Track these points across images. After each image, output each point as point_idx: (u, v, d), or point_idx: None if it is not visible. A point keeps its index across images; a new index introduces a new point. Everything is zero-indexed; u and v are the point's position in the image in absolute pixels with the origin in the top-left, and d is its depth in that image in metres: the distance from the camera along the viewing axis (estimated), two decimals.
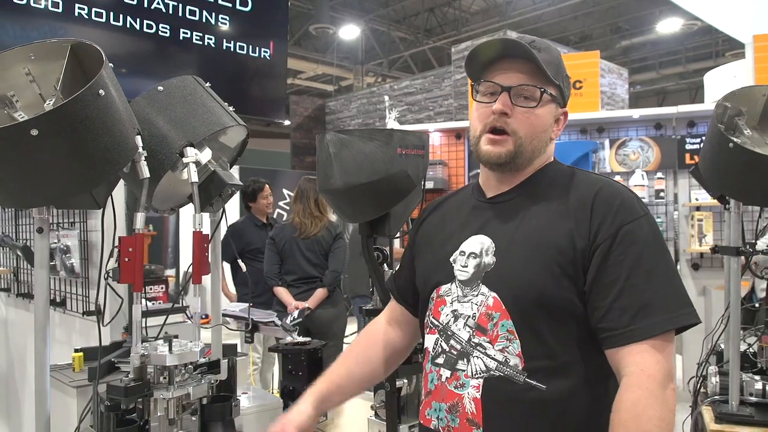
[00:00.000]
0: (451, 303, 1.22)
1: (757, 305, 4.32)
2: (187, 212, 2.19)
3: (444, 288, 1.25)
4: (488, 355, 1.15)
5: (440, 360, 1.21)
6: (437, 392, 1.21)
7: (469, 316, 1.18)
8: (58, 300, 2.97)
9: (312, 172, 5.58)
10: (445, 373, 1.20)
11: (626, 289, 1.08)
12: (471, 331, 1.18)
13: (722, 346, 2.36)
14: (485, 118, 1.21)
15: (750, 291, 4.47)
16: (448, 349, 1.20)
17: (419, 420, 1.28)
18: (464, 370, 1.17)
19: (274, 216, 4.89)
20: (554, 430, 1.13)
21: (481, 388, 1.15)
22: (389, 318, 1.49)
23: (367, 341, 1.47)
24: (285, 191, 8.90)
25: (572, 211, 1.16)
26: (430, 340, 1.26)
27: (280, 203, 8.76)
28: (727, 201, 2.12)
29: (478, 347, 1.16)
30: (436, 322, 1.24)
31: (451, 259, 1.24)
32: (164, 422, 1.47)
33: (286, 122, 10.52)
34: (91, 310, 2.68)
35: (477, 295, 1.18)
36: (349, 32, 13.06)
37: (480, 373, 1.15)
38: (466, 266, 1.21)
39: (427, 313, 1.29)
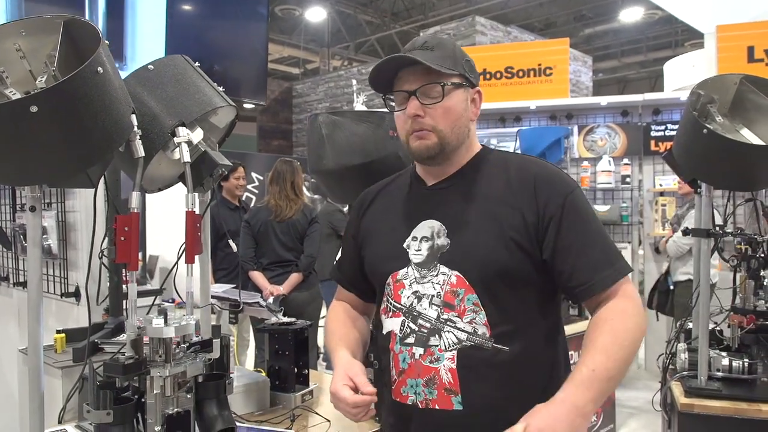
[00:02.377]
0: (410, 285, 1.32)
1: (671, 287, 4.51)
2: (152, 196, 2.18)
3: (401, 273, 1.34)
4: (458, 328, 1.26)
5: (410, 339, 1.30)
6: (411, 370, 1.29)
7: (433, 295, 1.29)
8: None
9: (279, 155, 5.57)
10: (418, 350, 1.28)
11: (586, 248, 1.26)
12: (439, 308, 1.27)
13: (690, 324, 2.47)
14: (405, 124, 1.32)
15: (665, 274, 4.65)
16: (417, 329, 1.29)
17: (393, 399, 1.34)
18: (437, 345, 1.26)
19: (243, 199, 4.90)
20: (522, 385, 1.27)
21: (455, 358, 1.25)
22: (345, 302, 1.57)
23: (346, 314, 1.54)
24: (254, 174, 8.83)
25: (516, 190, 1.30)
26: (394, 323, 1.34)
27: (249, 186, 8.69)
28: (698, 185, 2.21)
29: (447, 322, 1.27)
30: (398, 305, 1.33)
31: (404, 245, 1.34)
32: (160, 400, 1.47)
33: (248, 105, 10.39)
34: (70, 292, 2.65)
35: (437, 275, 1.29)
36: (316, 14, 12.95)
37: (453, 346, 1.26)
38: (420, 250, 1.32)
39: (385, 299, 1.38)
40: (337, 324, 1.51)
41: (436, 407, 1.27)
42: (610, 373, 1.17)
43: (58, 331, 2.31)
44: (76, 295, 2.58)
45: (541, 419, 1.10)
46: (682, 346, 2.35)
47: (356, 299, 1.55)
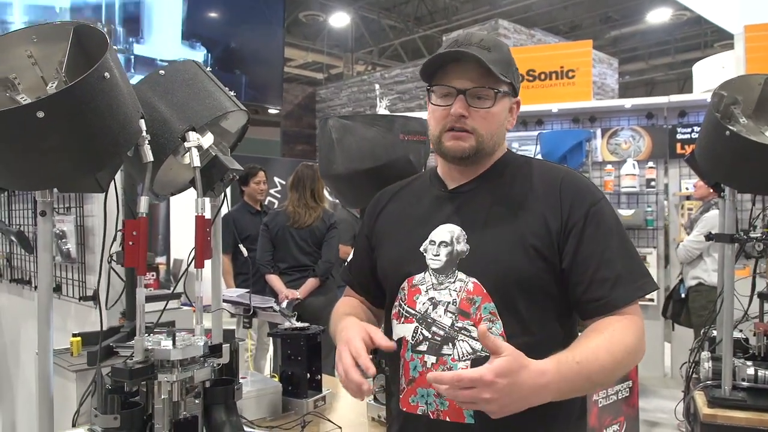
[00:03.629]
0: (427, 291, 1.26)
1: (683, 295, 4.38)
2: (177, 201, 2.19)
3: (417, 278, 1.29)
4: (473, 338, 1.20)
5: (423, 347, 1.25)
6: (422, 378, 1.24)
7: (449, 303, 1.23)
8: (54, 285, 2.95)
9: (302, 159, 5.58)
10: (430, 359, 1.23)
11: (603, 264, 1.19)
12: (454, 316, 1.22)
13: (714, 332, 2.40)
14: (443, 119, 1.27)
15: (679, 281, 4.52)
16: (430, 336, 1.24)
17: (401, 408, 1.29)
18: (450, 354, 1.21)
19: (265, 204, 4.90)
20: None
21: (469, 369, 1.17)
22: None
23: (352, 305, 1.48)
24: (276, 179, 8.88)
25: (540, 197, 1.24)
26: (406, 329, 1.29)
27: (272, 191, 8.74)
28: (722, 189, 2.15)
29: (462, 331, 1.21)
30: (413, 311, 1.28)
31: (421, 249, 1.29)
32: (168, 405, 1.47)
33: (272, 110, 10.45)
34: (88, 296, 2.68)
35: (454, 282, 1.24)
36: (339, 20, 12.99)
37: (467, 356, 1.20)
38: (438, 255, 1.26)
39: (398, 303, 1.32)
40: (343, 307, 1.46)
41: (447, 419, 1.22)
42: (591, 375, 1.11)
43: (74, 335, 2.34)
44: (94, 298, 2.61)
45: (515, 384, 1.01)
46: (705, 354, 2.28)
47: (362, 302, 1.50)
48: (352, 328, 1.24)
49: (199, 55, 6.75)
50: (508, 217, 1.24)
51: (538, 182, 1.27)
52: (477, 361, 1.18)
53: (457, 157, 1.27)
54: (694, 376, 2.35)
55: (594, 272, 1.19)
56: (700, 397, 2.17)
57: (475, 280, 1.22)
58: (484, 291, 1.21)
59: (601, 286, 1.18)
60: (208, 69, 1.83)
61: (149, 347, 1.45)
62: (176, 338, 1.46)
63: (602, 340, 1.13)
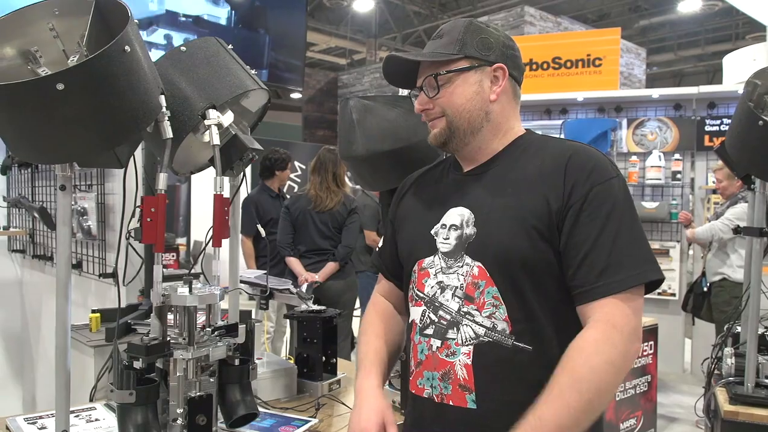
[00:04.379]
0: (435, 275, 1.26)
1: (705, 289, 4.28)
2: (198, 182, 2.19)
3: (427, 261, 1.28)
4: (476, 322, 1.19)
5: (429, 331, 1.25)
6: (428, 362, 1.24)
7: (456, 287, 1.22)
8: (74, 262, 2.98)
9: (323, 144, 5.57)
10: (436, 342, 1.23)
11: (596, 248, 1.12)
12: (460, 301, 1.21)
13: (738, 328, 2.35)
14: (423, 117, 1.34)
15: (701, 275, 4.42)
16: (437, 320, 1.24)
17: (410, 390, 1.30)
18: (454, 339, 1.21)
19: (285, 188, 4.86)
20: (542, 391, 1.15)
21: (471, 354, 1.19)
22: (383, 297, 1.51)
23: (380, 320, 1.46)
24: (297, 164, 8.88)
25: (546, 176, 1.19)
26: (416, 312, 1.29)
27: (292, 175, 8.75)
28: (752, 181, 2.09)
29: (466, 316, 1.20)
30: (422, 294, 1.28)
31: (432, 232, 1.29)
32: (183, 382, 1.47)
33: (295, 95, 10.42)
34: (108, 273, 2.70)
35: (462, 266, 1.22)
36: (363, 5, 12.91)
37: (470, 340, 1.19)
38: (448, 238, 1.25)
39: (411, 286, 1.33)
40: (370, 335, 1.43)
41: (451, 403, 1.21)
42: (560, 422, 1.05)
43: (93, 311, 2.36)
44: (113, 275, 2.62)
45: None
46: (728, 350, 2.23)
47: (395, 290, 1.47)
48: (367, 409, 1.27)
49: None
50: (513, 199, 1.21)
51: (548, 161, 1.22)
52: (479, 347, 1.18)
53: (436, 143, 1.32)
54: (715, 372, 2.30)
55: (584, 257, 1.13)
56: (721, 394, 2.12)
57: (480, 264, 1.20)
58: (488, 275, 1.19)
59: (588, 272, 1.12)
60: (230, 47, 1.81)
61: (165, 293, 1.45)
62: (192, 286, 1.46)
63: (565, 379, 1.08)
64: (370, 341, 1.41)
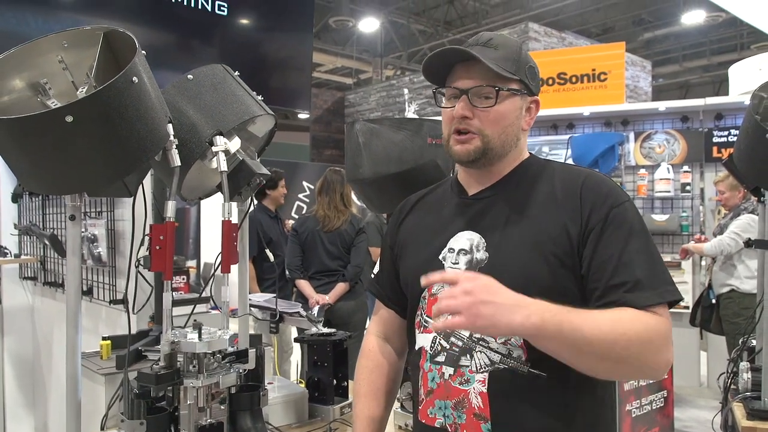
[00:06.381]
0: None
1: (713, 302, 4.23)
2: (208, 204, 2.20)
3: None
4: (491, 349, 1.16)
5: (440, 358, 1.22)
6: (440, 390, 1.21)
7: None
8: (84, 288, 2.99)
9: (331, 164, 5.60)
10: (448, 370, 1.20)
11: (619, 268, 1.11)
12: None
13: (753, 341, 2.32)
14: (450, 122, 1.25)
15: (707, 287, 4.37)
16: (448, 347, 1.21)
17: (419, 420, 1.26)
18: (468, 366, 1.17)
19: (293, 208, 4.86)
20: (559, 418, 1.14)
21: (486, 381, 1.15)
22: (380, 331, 1.46)
23: (372, 370, 1.43)
24: (305, 184, 8.91)
25: (561, 201, 1.19)
26: (425, 339, 1.26)
27: (300, 195, 8.78)
28: (762, 194, 2.08)
29: (480, 342, 1.17)
30: (431, 321, 1.23)
31: (440, 257, 1.26)
32: (194, 410, 1.47)
33: (302, 116, 10.48)
34: (118, 299, 2.71)
35: None
36: (369, 25, 13.02)
37: (485, 367, 1.16)
38: (457, 263, 1.23)
39: (419, 312, 1.29)
40: (361, 391, 1.42)
41: None
42: (581, 325, 1.02)
43: (104, 338, 2.36)
44: (123, 302, 2.63)
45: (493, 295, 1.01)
46: (744, 364, 2.20)
47: (395, 318, 1.43)
48: None
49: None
50: (528, 225, 1.20)
51: (559, 187, 1.22)
52: (494, 374, 1.15)
53: (464, 160, 1.25)
54: (732, 386, 2.27)
55: (611, 276, 1.11)
56: (738, 409, 2.09)
57: None
58: None
59: (615, 291, 1.10)
60: (236, 73, 1.83)
61: (175, 340, 1.44)
62: (202, 332, 1.46)
63: (609, 314, 1.07)
64: (362, 403, 1.40)
